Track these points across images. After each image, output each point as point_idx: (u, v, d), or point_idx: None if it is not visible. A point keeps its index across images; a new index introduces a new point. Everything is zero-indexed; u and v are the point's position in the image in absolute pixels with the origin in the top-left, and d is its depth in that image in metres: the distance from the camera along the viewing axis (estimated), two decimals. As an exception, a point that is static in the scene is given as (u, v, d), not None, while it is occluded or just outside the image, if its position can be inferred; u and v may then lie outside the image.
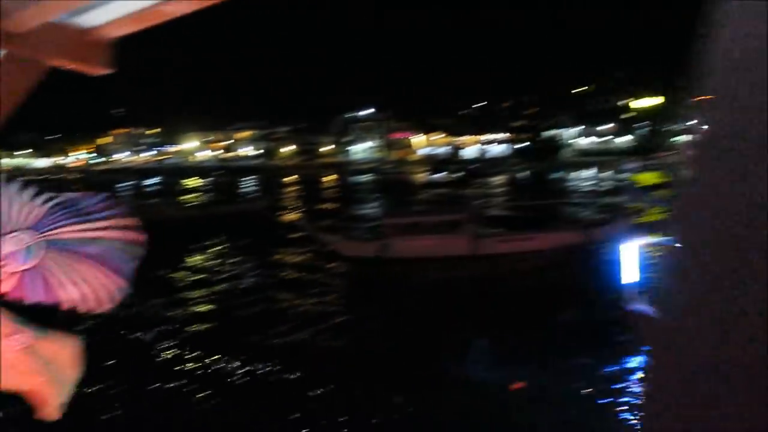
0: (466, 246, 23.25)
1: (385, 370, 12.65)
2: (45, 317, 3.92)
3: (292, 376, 12.74)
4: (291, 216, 40.85)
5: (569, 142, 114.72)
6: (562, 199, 46.12)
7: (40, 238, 3.84)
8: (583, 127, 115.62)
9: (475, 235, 23.69)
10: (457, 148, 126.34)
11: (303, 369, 13.04)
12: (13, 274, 3.81)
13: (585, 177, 70.69)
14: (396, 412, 10.74)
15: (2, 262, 3.76)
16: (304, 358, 13.64)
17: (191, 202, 56.64)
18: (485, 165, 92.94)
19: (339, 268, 23.29)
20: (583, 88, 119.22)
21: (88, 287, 3.83)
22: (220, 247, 29.25)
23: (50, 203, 3.82)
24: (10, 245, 3.80)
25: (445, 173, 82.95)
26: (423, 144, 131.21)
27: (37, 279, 3.81)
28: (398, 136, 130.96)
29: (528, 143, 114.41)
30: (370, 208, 44.67)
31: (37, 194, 3.83)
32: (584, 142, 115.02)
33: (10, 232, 3.82)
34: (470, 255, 22.97)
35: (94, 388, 3.56)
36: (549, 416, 10.32)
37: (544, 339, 14.09)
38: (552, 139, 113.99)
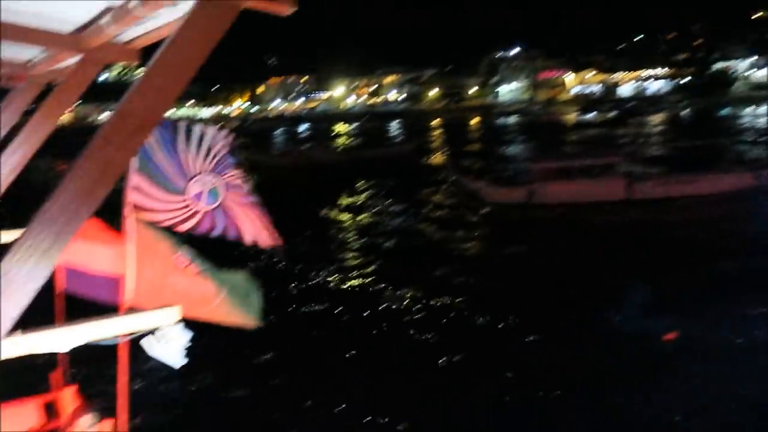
0: (620, 190, 22.11)
1: (536, 314, 12.60)
2: (222, 252, 4.31)
3: (442, 312, 13.08)
4: (437, 160, 40.98)
5: (743, 74, 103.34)
6: (732, 138, 42.10)
7: (221, 180, 4.23)
8: (760, 57, 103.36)
9: (630, 178, 22.42)
10: (612, 85, 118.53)
11: (453, 307, 13.35)
12: (201, 213, 4.26)
13: (761, 113, 63.75)
14: (544, 355, 10.72)
15: (191, 203, 4.22)
16: (455, 296, 13.91)
17: (341, 146, 58.57)
18: (643, 103, 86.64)
19: (486, 211, 23.16)
20: (762, 12, 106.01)
21: (256, 226, 4.19)
22: (369, 190, 30.14)
23: (225, 148, 4.16)
24: (197, 187, 4.23)
25: (597, 113, 78.60)
26: (574, 82, 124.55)
27: (220, 217, 4.23)
28: (548, 74, 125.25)
29: (692, 78, 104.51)
30: (519, 152, 43.63)
31: (214, 140, 4.19)
32: (761, 73, 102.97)
33: (197, 175, 4.25)
34: (625, 199, 21.85)
35: (266, 320, 3.95)
36: (700, 369, 9.76)
37: (706, 288, 13.25)
38: (722, 72, 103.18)
